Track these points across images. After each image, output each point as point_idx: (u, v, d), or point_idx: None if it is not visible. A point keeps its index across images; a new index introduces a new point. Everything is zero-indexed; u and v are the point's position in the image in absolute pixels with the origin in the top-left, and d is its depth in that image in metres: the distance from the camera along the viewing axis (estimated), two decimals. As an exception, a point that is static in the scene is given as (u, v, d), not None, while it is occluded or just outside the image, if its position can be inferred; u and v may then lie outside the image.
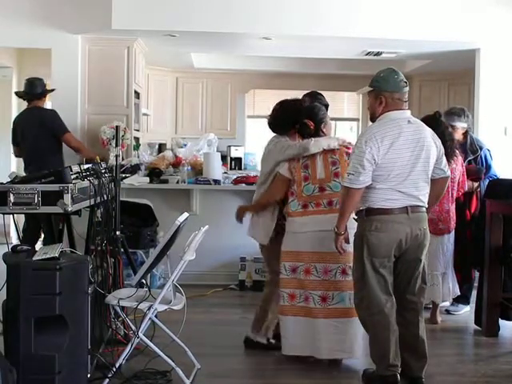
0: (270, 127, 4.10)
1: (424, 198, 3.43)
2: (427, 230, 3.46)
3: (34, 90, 5.74)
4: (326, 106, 4.51)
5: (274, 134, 4.09)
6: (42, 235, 5.87)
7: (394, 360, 3.40)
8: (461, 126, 5.03)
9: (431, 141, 3.42)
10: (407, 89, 3.46)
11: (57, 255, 3.09)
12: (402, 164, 3.33)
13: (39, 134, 5.64)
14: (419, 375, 3.47)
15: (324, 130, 3.97)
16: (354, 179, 3.31)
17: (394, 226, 3.34)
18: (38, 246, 5.15)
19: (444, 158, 3.53)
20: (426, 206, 3.46)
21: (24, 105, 6.19)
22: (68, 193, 3.24)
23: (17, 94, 6.15)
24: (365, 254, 3.39)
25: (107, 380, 3.37)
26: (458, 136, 4.95)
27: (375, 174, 3.33)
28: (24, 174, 4.66)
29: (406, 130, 3.35)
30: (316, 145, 3.82)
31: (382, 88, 3.42)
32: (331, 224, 3.65)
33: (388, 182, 3.33)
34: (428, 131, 3.46)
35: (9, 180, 3.46)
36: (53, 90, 6.02)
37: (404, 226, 3.35)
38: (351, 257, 3.65)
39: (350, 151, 3.86)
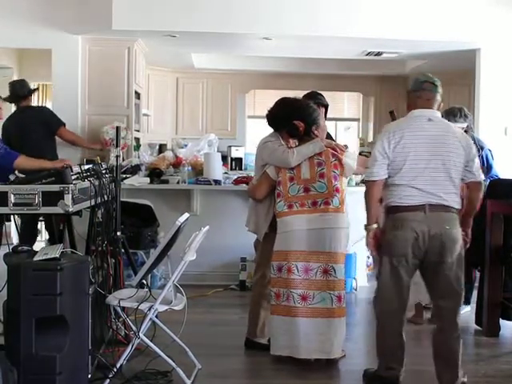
0: (267, 121, 4.08)
1: (448, 197, 3.32)
2: (452, 230, 3.32)
3: (20, 92, 5.70)
4: (326, 106, 4.51)
5: (271, 131, 4.09)
6: (39, 236, 5.89)
7: (393, 362, 3.40)
8: (457, 126, 5.00)
9: (456, 141, 3.36)
10: (432, 88, 3.51)
11: (57, 256, 3.09)
12: (414, 158, 3.31)
13: (37, 132, 5.62)
14: None
15: (316, 132, 3.93)
16: (368, 172, 3.40)
17: (409, 224, 3.29)
18: (35, 246, 5.15)
19: (476, 163, 3.43)
20: (454, 206, 3.35)
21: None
22: (69, 193, 3.24)
23: (5, 99, 6.10)
24: (383, 252, 3.40)
25: (108, 380, 3.36)
26: (458, 136, 4.93)
27: (390, 168, 3.35)
28: (22, 175, 4.67)
29: (425, 126, 3.36)
30: (298, 158, 3.81)
31: (407, 88, 3.62)
32: (315, 223, 3.69)
33: (402, 177, 3.32)
34: (454, 132, 3.41)
35: (9, 180, 3.46)
36: (36, 90, 6.01)
37: (421, 224, 3.28)
38: (334, 257, 3.70)
39: (338, 152, 3.85)
